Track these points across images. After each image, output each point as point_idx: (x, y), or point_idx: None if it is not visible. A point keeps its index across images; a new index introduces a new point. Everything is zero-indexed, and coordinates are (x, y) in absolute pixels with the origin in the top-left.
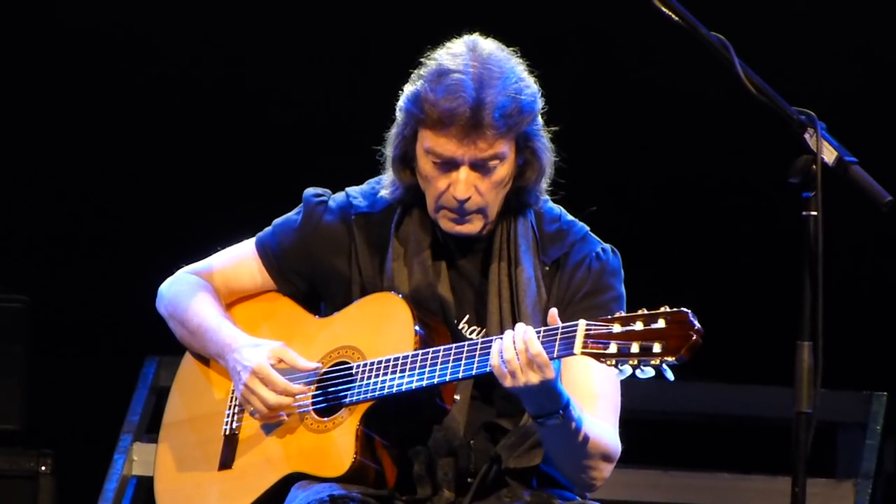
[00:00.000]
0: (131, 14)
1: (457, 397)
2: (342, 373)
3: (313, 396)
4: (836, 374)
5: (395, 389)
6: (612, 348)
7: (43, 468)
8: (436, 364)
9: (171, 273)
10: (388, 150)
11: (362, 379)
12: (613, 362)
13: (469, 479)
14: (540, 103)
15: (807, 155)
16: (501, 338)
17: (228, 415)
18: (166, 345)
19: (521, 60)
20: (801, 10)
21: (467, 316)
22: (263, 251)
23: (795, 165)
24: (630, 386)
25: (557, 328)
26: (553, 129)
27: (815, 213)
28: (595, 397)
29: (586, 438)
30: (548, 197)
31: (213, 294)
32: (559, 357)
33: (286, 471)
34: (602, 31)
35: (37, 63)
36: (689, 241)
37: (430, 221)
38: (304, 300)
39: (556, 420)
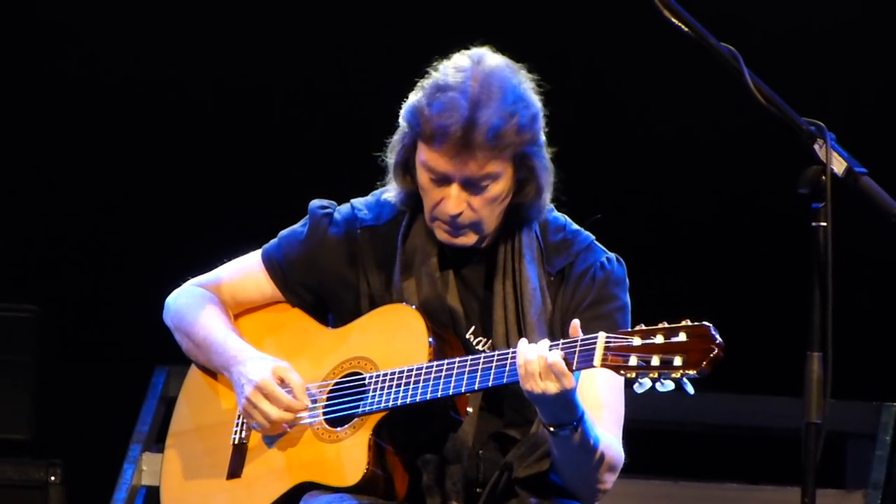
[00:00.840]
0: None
1: (469, 409)
2: (354, 383)
3: (324, 406)
4: (846, 384)
5: (408, 400)
6: (633, 361)
7: (52, 478)
8: (451, 375)
9: (180, 283)
10: (390, 157)
11: (375, 390)
12: (634, 375)
13: (478, 489)
14: (541, 122)
15: (816, 166)
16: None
17: (237, 424)
18: (175, 354)
19: (529, 76)
20: (809, 20)
21: (473, 327)
22: (269, 263)
23: (805, 176)
24: (639, 396)
25: (577, 340)
26: (555, 148)
27: (824, 223)
28: (600, 407)
29: (595, 450)
30: (552, 206)
31: (219, 306)
32: (578, 369)
33: (296, 480)
34: (614, 43)
35: (50, 74)
36: (698, 251)
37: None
38: (312, 312)
39: (569, 431)
